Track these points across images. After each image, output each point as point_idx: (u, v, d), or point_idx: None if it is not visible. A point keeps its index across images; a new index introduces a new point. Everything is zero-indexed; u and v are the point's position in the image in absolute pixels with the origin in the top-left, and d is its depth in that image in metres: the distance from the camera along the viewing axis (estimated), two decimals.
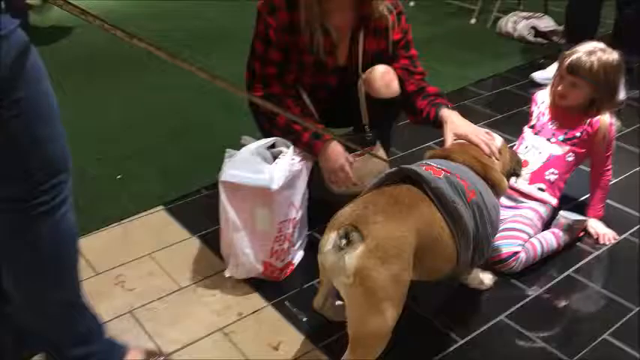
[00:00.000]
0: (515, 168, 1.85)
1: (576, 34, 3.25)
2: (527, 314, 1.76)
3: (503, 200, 2.00)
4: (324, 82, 2.03)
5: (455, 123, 1.87)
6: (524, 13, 4.02)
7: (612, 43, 3.29)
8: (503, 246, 1.90)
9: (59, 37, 3.86)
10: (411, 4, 4.63)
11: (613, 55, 2.04)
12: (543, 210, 2.06)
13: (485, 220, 1.60)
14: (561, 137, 2.09)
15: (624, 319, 1.74)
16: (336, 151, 1.91)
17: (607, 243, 2.06)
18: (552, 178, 2.07)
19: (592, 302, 1.82)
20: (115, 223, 2.13)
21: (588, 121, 2.06)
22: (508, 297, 1.83)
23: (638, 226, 2.14)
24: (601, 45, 2.08)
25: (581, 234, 2.09)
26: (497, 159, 1.76)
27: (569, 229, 2.02)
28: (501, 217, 1.87)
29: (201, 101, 3.04)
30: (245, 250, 1.78)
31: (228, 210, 1.75)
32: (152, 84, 3.25)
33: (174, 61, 1.12)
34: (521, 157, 2.03)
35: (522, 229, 1.95)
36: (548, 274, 1.92)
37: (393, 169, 1.59)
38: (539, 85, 3.24)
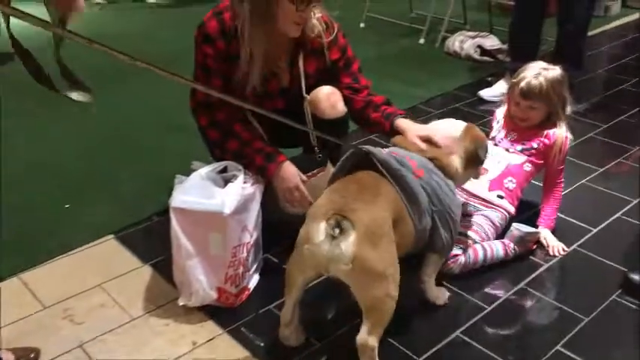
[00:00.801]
0: (478, 152, 1.87)
1: (520, 52, 3.36)
2: (483, 329, 1.78)
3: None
4: (270, 106, 2.02)
5: (413, 129, 1.90)
6: (470, 33, 4.13)
7: (554, 60, 3.43)
8: None
9: None
10: (362, 25, 4.70)
11: (556, 71, 2.17)
12: (498, 218, 2.11)
13: (440, 198, 1.69)
14: (519, 147, 2.19)
15: (575, 330, 1.77)
16: (289, 171, 1.91)
17: (557, 255, 2.10)
18: (511, 186, 2.14)
19: (545, 314, 1.85)
20: (63, 254, 2.06)
21: (545, 133, 2.16)
22: (463, 312, 1.84)
23: (586, 237, 2.19)
24: (543, 64, 2.20)
25: (534, 247, 2.13)
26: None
27: (521, 241, 2.06)
28: None
29: (151, 125, 3.00)
30: (198, 277, 1.74)
31: (180, 236, 1.72)
32: (98, 109, 3.17)
33: (136, 64, 1.05)
34: (498, 166, 2.18)
35: (468, 235, 2.01)
36: (501, 288, 1.95)
37: (348, 153, 1.68)
38: (487, 102, 3.33)
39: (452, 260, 1.94)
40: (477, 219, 2.08)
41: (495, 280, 1.98)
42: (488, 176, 2.15)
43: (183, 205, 1.70)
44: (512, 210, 2.15)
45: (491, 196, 2.13)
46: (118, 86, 3.35)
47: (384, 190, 1.59)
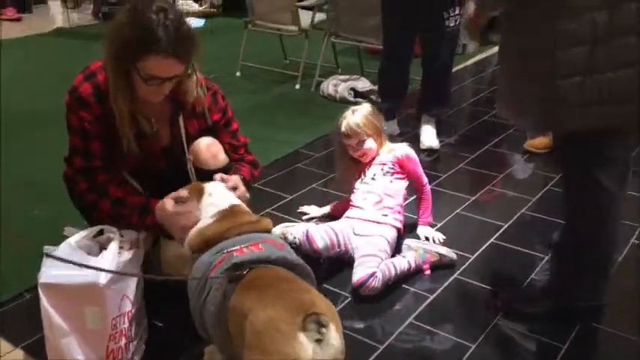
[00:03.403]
0: None
1: (390, 92, 3.52)
2: None
3: (357, 229, 2.29)
4: (152, 167, 1.99)
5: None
6: (343, 76, 4.28)
7: (421, 97, 3.63)
8: (359, 271, 2.10)
9: None
10: (237, 74, 4.73)
11: (366, 106, 2.49)
12: (390, 235, 2.28)
13: None
14: (381, 172, 2.42)
15: (465, 358, 1.83)
16: (162, 207, 1.80)
17: (437, 242, 2.37)
18: (390, 203, 2.35)
19: (435, 345, 1.90)
20: None
21: (393, 156, 2.42)
22: (358, 353, 1.83)
23: (465, 265, 2.29)
24: (354, 107, 2.49)
25: (432, 259, 2.25)
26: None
27: (410, 250, 2.27)
28: (354, 246, 2.23)
29: (16, 194, 2.79)
30: (76, 356, 1.62)
31: (52, 314, 1.60)
32: None
33: None
34: (359, 195, 2.39)
35: (374, 254, 2.16)
36: (392, 325, 1.98)
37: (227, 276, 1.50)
38: None
39: (372, 279, 2.06)
40: (375, 239, 2.23)
41: (386, 317, 2.02)
42: (371, 203, 2.35)
43: (52, 280, 1.59)
44: (399, 224, 2.35)
45: (378, 217, 2.32)
46: None
47: (289, 273, 1.51)
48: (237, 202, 1.80)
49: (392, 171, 2.40)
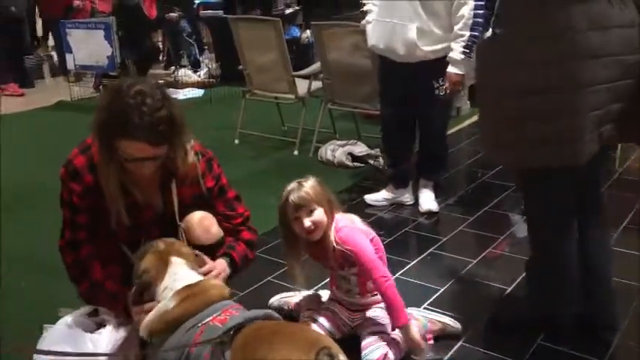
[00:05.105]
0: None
1: (396, 158, 3.49)
2: None
3: (352, 307, 2.24)
4: (145, 236, 1.98)
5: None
6: (340, 142, 4.33)
7: (418, 162, 3.62)
8: (370, 352, 2.02)
9: None
10: (236, 142, 4.79)
11: (312, 178, 2.18)
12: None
13: None
14: (347, 263, 2.16)
15: None
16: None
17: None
18: (373, 286, 2.17)
19: None
20: None
21: (339, 243, 2.12)
22: None
23: (470, 331, 2.24)
24: (297, 180, 2.18)
25: (435, 328, 2.20)
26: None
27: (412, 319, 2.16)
28: (355, 325, 2.19)
29: (10, 270, 2.76)
30: None
31: None
32: None
33: None
34: (339, 285, 2.25)
35: (380, 330, 2.10)
36: None
37: (234, 325, 1.58)
38: (371, 206, 3.43)
39: None
40: (371, 313, 2.19)
41: None
42: (355, 292, 2.22)
43: None
44: None
45: (368, 299, 2.23)
46: None
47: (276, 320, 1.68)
48: (200, 278, 1.79)
49: (352, 259, 2.11)
